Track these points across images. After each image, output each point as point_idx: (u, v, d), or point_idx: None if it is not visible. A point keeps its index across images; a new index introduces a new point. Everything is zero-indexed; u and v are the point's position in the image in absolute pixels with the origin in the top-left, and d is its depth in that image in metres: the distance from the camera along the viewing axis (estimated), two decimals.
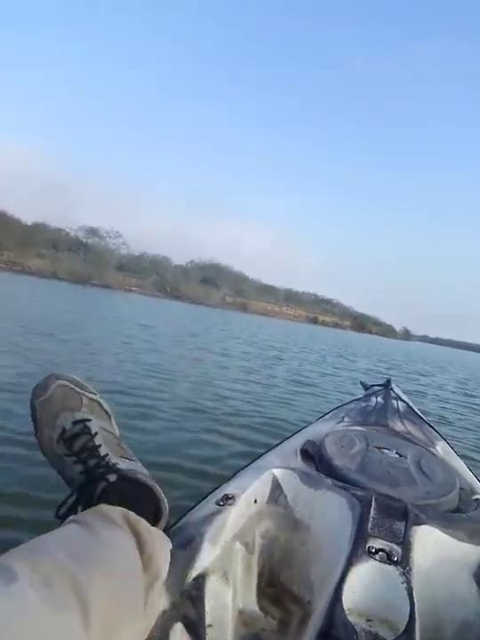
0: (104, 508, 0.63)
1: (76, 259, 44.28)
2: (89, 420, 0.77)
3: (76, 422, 0.76)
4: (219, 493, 0.92)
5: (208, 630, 0.69)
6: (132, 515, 0.63)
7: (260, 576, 0.90)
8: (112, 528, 0.59)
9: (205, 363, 6.30)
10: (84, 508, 0.67)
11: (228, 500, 0.88)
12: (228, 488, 0.94)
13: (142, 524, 0.63)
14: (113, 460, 0.74)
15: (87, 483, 0.71)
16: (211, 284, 58.28)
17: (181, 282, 53.16)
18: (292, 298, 74.80)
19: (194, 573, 0.72)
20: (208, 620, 0.70)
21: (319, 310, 77.79)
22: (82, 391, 0.80)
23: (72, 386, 0.80)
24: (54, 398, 0.77)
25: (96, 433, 0.76)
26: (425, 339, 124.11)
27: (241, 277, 65.67)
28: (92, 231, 50.47)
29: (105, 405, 0.84)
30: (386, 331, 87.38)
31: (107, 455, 0.74)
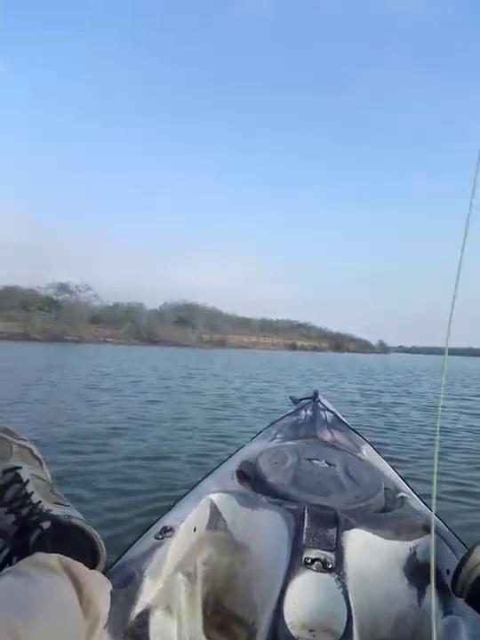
0: (40, 556, 0.62)
1: (48, 317, 43.89)
2: (19, 468, 0.76)
3: (5, 471, 0.75)
4: (157, 526, 0.92)
5: None
6: (69, 560, 0.63)
7: (204, 604, 0.91)
8: (49, 575, 0.58)
9: (181, 406, 6.10)
10: (20, 559, 0.65)
11: (166, 532, 0.88)
12: (167, 520, 0.94)
13: (79, 567, 0.63)
14: (46, 506, 0.73)
15: (20, 532, 0.70)
16: (186, 323, 58.39)
17: (157, 326, 53.04)
18: (267, 327, 75.51)
19: (137, 610, 0.72)
20: None
21: (296, 335, 78.66)
22: (11, 439, 0.80)
23: (1, 434, 0.79)
24: None
25: (27, 480, 0.75)
26: (401, 349, 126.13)
27: (215, 313, 66.10)
28: (62, 287, 50.19)
29: (35, 451, 0.83)
30: (362, 346, 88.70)
31: (40, 502, 0.73)
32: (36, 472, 0.79)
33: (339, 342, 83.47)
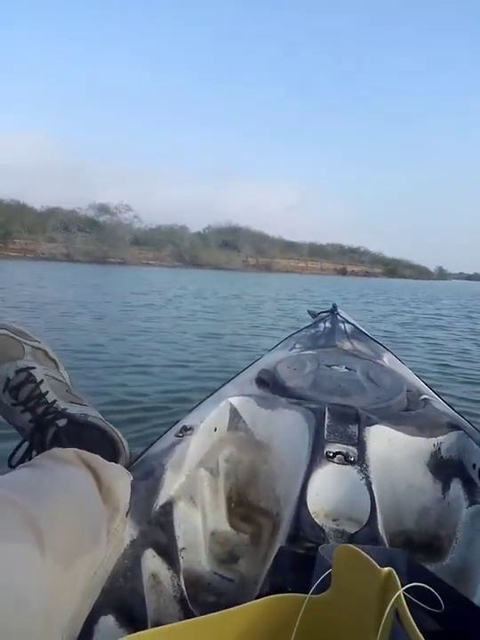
0: (56, 450, 0.62)
1: (89, 238, 43.38)
2: (33, 368, 0.76)
3: (19, 371, 0.75)
4: (177, 426, 0.91)
5: (181, 553, 0.71)
6: (85, 453, 0.62)
7: (228, 498, 0.91)
8: (65, 467, 0.58)
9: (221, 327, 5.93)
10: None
11: (186, 430, 0.88)
12: (187, 420, 0.94)
13: (97, 459, 0.62)
14: (61, 405, 0.74)
15: (37, 429, 0.72)
16: (231, 247, 56.39)
17: (200, 249, 51.57)
18: (316, 252, 71.91)
19: (160, 501, 0.72)
20: (180, 544, 0.72)
21: (347, 260, 74.59)
22: (23, 340, 0.78)
23: (12, 335, 0.77)
24: None
25: (41, 380, 0.75)
26: (462, 276, 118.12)
27: (261, 237, 63.28)
28: (103, 208, 49.50)
29: (51, 353, 0.82)
30: (419, 273, 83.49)
31: (54, 401, 0.74)
32: (51, 372, 0.79)
33: (393, 268, 78.74)
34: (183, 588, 0.67)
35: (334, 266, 71.15)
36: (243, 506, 0.91)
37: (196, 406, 1.05)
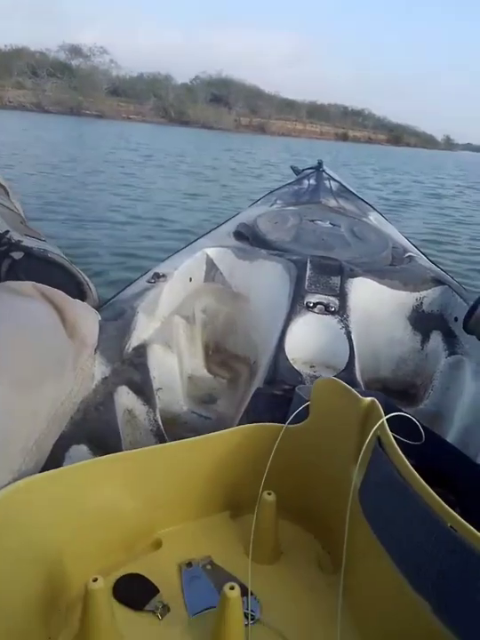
0: (10, 283, 0.60)
1: (62, 85, 38.24)
2: None
3: None
4: (149, 274, 0.89)
5: (158, 393, 0.75)
6: (46, 287, 0.60)
7: (205, 346, 0.93)
8: (22, 298, 0.56)
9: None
10: None
11: (159, 277, 0.87)
12: (160, 268, 0.92)
13: (59, 294, 0.60)
14: (16, 237, 0.67)
15: None
16: (222, 103, 50.58)
17: (187, 103, 46.23)
18: (316, 113, 65.30)
19: (133, 343, 0.74)
20: (156, 385, 0.76)
21: (349, 124, 68.22)
22: None
23: None
24: None
25: None
26: (469, 147, 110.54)
27: (256, 92, 56.57)
28: (74, 50, 43.22)
29: (0, 180, 0.74)
30: (425, 141, 77.44)
31: (7, 232, 0.67)
32: (1, 200, 0.72)
33: (398, 135, 72.62)
34: (160, 423, 0.69)
35: (335, 130, 65.25)
36: (220, 353, 0.93)
37: (170, 256, 1.00)
